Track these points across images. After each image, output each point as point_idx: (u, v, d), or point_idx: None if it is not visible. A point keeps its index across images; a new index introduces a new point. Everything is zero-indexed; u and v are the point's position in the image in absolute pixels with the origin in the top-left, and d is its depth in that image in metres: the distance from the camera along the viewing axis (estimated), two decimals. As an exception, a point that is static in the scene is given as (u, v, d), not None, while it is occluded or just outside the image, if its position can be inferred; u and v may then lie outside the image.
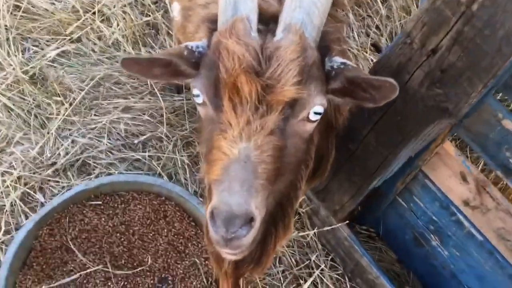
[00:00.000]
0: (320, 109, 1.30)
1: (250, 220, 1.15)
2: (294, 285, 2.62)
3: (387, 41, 3.42)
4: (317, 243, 2.73)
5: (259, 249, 1.53)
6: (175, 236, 2.60)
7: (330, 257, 2.71)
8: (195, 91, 1.33)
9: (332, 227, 2.58)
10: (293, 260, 2.65)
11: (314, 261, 2.65)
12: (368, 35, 3.41)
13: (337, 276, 2.66)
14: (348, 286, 2.65)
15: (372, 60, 3.31)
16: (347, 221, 2.57)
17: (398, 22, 3.42)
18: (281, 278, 2.61)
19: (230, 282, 1.78)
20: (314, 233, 2.70)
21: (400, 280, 2.77)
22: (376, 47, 3.43)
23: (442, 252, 2.48)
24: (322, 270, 2.62)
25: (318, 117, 1.30)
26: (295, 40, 1.21)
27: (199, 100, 1.33)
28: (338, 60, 1.33)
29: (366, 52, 3.31)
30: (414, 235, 2.58)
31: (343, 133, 2.15)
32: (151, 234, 2.59)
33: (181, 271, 2.52)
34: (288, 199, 1.52)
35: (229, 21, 1.26)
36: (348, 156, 2.24)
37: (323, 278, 2.61)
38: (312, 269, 2.64)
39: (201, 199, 2.80)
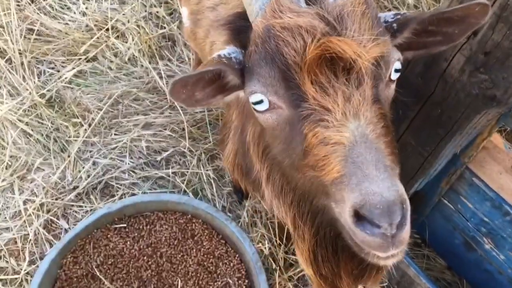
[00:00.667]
0: (399, 65, 1.13)
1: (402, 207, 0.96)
2: (336, 301, 2.42)
3: (416, 32, 3.20)
4: (357, 254, 2.52)
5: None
6: (205, 256, 2.46)
7: (373, 268, 2.50)
8: (256, 97, 1.13)
9: (373, 236, 2.37)
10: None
11: (355, 274, 2.45)
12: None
13: (382, 289, 2.44)
14: (395, 299, 2.43)
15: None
16: (389, 229, 2.36)
17: (428, 11, 3.20)
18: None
19: None
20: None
21: (452, 289, 2.53)
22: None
23: (497, 256, 2.24)
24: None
25: (398, 75, 1.13)
26: None
27: (262, 106, 1.13)
28: (389, 14, 1.16)
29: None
30: (464, 239, 2.35)
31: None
32: (179, 255, 2.45)
33: (213, 293, 2.37)
34: None
35: (268, 3, 1.09)
36: (384, 158, 2.04)
37: (367, 292, 2.40)
38: (354, 282, 2.44)
39: (229, 214, 2.65)
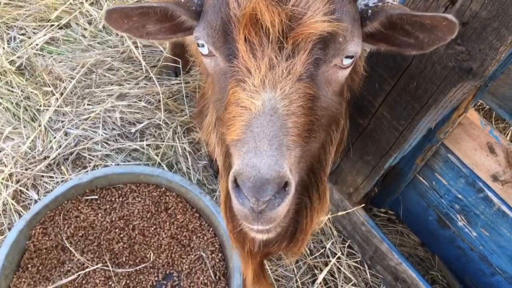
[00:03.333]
0: (355, 49, 1.06)
1: (284, 185, 0.94)
2: (309, 276, 2.43)
3: None
4: (332, 230, 2.52)
5: (292, 224, 1.29)
6: (178, 229, 2.43)
7: (347, 244, 2.50)
8: (199, 41, 1.10)
9: (347, 211, 2.36)
10: (306, 249, 2.45)
11: (329, 249, 2.45)
12: None
13: (355, 264, 2.45)
14: (368, 274, 2.44)
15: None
16: (363, 205, 2.35)
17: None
18: (295, 269, 2.42)
19: (254, 264, 1.53)
20: (328, 218, 2.49)
21: (425, 265, 2.55)
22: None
23: (470, 232, 2.25)
24: (338, 258, 2.42)
25: (350, 61, 1.07)
26: None
27: (204, 50, 1.10)
28: None
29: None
30: (438, 215, 2.35)
31: (353, 107, 1.94)
32: (152, 228, 2.41)
33: (186, 266, 2.35)
34: (320, 164, 1.27)
35: None
36: (359, 133, 2.01)
37: (340, 266, 2.41)
38: (328, 257, 2.44)
39: (204, 188, 2.61)
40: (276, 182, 0.91)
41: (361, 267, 2.47)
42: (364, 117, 1.92)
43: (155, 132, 2.71)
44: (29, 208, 2.46)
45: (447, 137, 2.02)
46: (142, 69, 2.86)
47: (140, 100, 2.76)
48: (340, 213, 2.40)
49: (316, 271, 2.42)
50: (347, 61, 1.08)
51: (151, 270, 2.33)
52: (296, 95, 0.99)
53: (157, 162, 2.62)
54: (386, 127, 1.84)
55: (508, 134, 2.66)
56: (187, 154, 2.66)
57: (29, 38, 2.85)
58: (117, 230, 2.39)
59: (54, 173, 2.55)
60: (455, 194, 2.18)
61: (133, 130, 2.69)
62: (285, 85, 0.97)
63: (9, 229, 2.39)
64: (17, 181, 2.50)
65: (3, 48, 2.74)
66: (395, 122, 1.78)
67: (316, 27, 0.97)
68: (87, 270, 2.27)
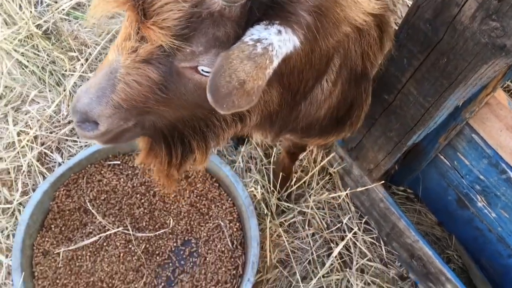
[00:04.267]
0: (208, 69, 1.07)
1: (94, 121, 1.15)
2: (324, 249, 2.46)
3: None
4: (349, 205, 2.53)
5: (165, 162, 1.39)
6: (198, 198, 2.46)
7: (364, 219, 2.52)
8: None
9: (366, 187, 2.37)
10: (323, 223, 2.47)
11: (346, 224, 2.47)
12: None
13: (371, 240, 2.47)
14: (383, 250, 2.46)
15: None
16: (383, 181, 2.35)
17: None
18: (311, 242, 2.45)
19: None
20: (347, 194, 2.51)
21: (441, 244, 2.56)
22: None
23: (489, 214, 2.25)
24: (355, 233, 2.44)
25: (209, 73, 1.07)
26: None
27: None
28: (254, 31, 1.01)
29: (405, -4, 2.99)
30: (457, 195, 2.35)
31: (378, 82, 1.93)
32: (172, 195, 2.45)
33: (204, 234, 2.39)
34: (191, 139, 1.33)
35: None
36: (383, 109, 2.00)
37: (356, 241, 2.43)
38: (344, 232, 2.46)
39: (224, 159, 2.63)
40: (81, 116, 1.13)
41: (376, 243, 2.49)
42: (390, 93, 1.90)
43: (178, 101, 2.73)
44: (53, 171, 2.52)
45: (473, 116, 2.00)
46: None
47: (164, 69, 2.76)
48: (359, 189, 2.40)
49: (332, 245, 2.44)
50: (206, 70, 1.09)
51: (170, 236, 2.38)
52: (135, 72, 1.08)
53: (178, 131, 2.64)
54: (412, 104, 1.83)
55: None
56: (209, 124, 2.67)
57: (56, 2, 2.86)
58: (138, 195, 2.43)
59: (77, 137, 2.60)
60: (477, 175, 2.17)
61: (155, 98, 2.71)
62: (128, 58, 1.06)
63: (34, 190, 2.45)
64: (42, 144, 2.55)
65: (30, 11, 2.76)
66: (421, 98, 1.77)
67: (155, 36, 1.01)
68: (108, 232, 2.33)
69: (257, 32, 1.00)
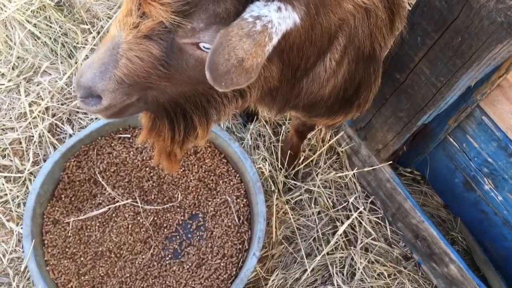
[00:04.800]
0: (209, 45, 1.08)
1: (97, 96, 1.17)
2: (330, 227, 2.48)
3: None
4: (356, 185, 2.55)
5: (169, 137, 1.41)
6: (206, 173, 2.49)
7: (370, 199, 2.53)
8: None
9: (374, 167, 2.38)
10: (329, 202, 2.49)
11: (352, 203, 2.49)
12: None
13: (377, 220, 2.49)
14: (389, 230, 2.49)
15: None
16: (390, 162, 2.36)
17: None
18: (316, 220, 2.47)
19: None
20: (354, 173, 2.52)
21: (446, 226, 2.58)
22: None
23: (496, 197, 2.26)
24: (360, 212, 2.46)
25: (208, 49, 1.08)
26: None
27: None
28: (254, 8, 1.01)
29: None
30: (464, 178, 2.36)
31: (390, 61, 1.92)
32: (181, 170, 2.48)
33: (212, 209, 2.42)
34: (193, 115, 1.35)
35: None
36: (395, 88, 2.00)
37: (362, 221, 2.45)
38: (350, 211, 2.48)
39: (232, 136, 2.65)
40: (85, 90, 1.16)
41: (382, 223, 2.51)
42: (402, 72, 1.90)
43: (188, 77, 2.73)
44: (64, 142, 2.55)
45: (484, 99, 1.99)
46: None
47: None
48: (366, 169, 2.42)
49: (337, 223, 2.47)
50: (207, 46, 1.09)
51: (178, 209, 2.41)
52: (137, 47, 1.08)
53: (188, 107, 2.66)
54: (423, 83, 1.83)
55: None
56: (218, 101, 2.68)
57: (69, -26, 2.86)
58: (147, 169, 2.46)
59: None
60: (485, 158, 2.17)
61: (166, 73, 2.71)
62: (130, 34, 1.07)
63: (45, 160, 2.48)
64: (53, 115, 2.57)
65: (43, -18, 2.76)
66: (434, 78, 1.77)
67: (156, 13, 1.01)
68: (117, 204, 2.36)
69: (257, 8, 1.00)
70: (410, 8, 1.74)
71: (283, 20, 1.00)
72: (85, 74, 1.14)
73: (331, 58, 1.36)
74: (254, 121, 2.69)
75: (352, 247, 2.42)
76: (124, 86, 1.15)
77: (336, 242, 2.40)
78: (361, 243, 2.42)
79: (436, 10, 1.60)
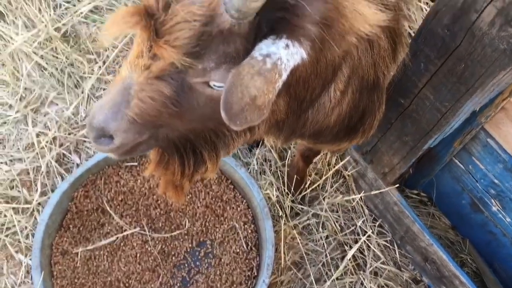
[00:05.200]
0: (220, 84, 1.11)
1: (110, 136, 1.18)
2: (338, 251, 2.47)
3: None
4: (363, 208, 2.55)
5: (179, 172, 1.42)
6: (213, 199, 2.49)
7: (378, 222, 2.53)
8: None
9: (381, 191, 2.39)
10: (337, 226, 2.49)
11: (360, 226, 2.49)
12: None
13: (385, 243, 2.48)
14: (397, 253, 2.48)
15: (425, 10, 3.01)
16: (397, 185, 2.37)
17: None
18: (325, 244, 2.47)
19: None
20: (361, 197, 2.52)
21: (454, 248, 2.57)
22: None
23: (504, 218, 2.25)
24: (369, 236, 2.45)
25: (222, 88, 1.09)
26: (203, 1, 0.99)
27: None
28: (263, 46, 1.03)
29: (420, 1, 3.00)
30: (471, 199, 2.36)
31: (394, 86, 1.95)
32: (188, 197, 2.48)
33: (219, 235, 2.42)
34: (203, 150, 1.37)
35: None
36: (399, 113, 2.02)
37: (370, 244, 2.44)
38: (358, 235, 2.48)
39: (239, 161, 2.66)
40: (98, 131, 1.17)
41: (390, 246, 2.50)
42: (406, 97, 1.92)
43: (193, 103, 2.76)
44: (71, 171, 2.56)
45: (488, 121, 2.01)
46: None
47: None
48: (373, 192, 2.42)
49: (346, 248, 2.46)
50: (217, 84, 1.12)
51: (186, 236, 2.41)
52: (149, 88, 1.10)
53: (194, 133, 2.68)
54: (428, 108, 1.84)
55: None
56: (224, 127, 2.70)
57: (74, 6, 2.91)
58: (154, 196, 2.47)
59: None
60: (492, 179, 2.18)
61: (172, 101, 2.74)
62: (142, 75, 1.09)
63: (52, 190, 2.49)
64: (60, 145, 2.59)
65: (49, 15, 2.81)
66: (438, 103, 1.79)
67: (167, 54, 1.03)
68: (125, 233, 2.37)
69: (266, 47, 1.02)
70: (413, 35, 1.76)
71: (291, 56, 1.02)
72: (97, 116, 1.15)
73: (336, 89, 1.38)
74: (259, 146, 2.71)
75: (361, 272, 2.41)
76: (136, 126, 1.17)
77: (345, 267, 2.40)
78: (370, 267, 2.41)
79: (438, 38, 1.63)
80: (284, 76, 1.02)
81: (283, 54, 1.01)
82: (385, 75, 1.55)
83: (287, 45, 1.02)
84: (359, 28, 1.13)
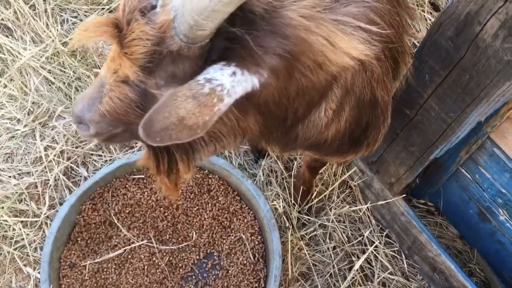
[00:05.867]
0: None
1: (86, 124, 1.32)
2: (346, 262, 2.47)
3: (446, -4, 3.10)
4: (370, 218, 2.55)
5: (155, 167, 1.47)
6: (220, 211, 2.50)
7: (385, 233, 2.53)
8: None
9: (387, 201, 2.39)
10: (344, 236, 2.49)
11: (367, 237, 2.48)
12: (424, -9, 3.11)
13: (393, 253, 2.48)
14: (405, 263, 2.47)
15: (430, 20, 3.02)
16: (404, 195, 2.37)
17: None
18: (332, 255, 2.46)
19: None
20: (367, 207, 2.52)
21: (462, 258, 2.56)
22: (434, 6, 3.13)
23: (511, 227, 2.24)
24: (376, 246, 2.45)
25: None
26: (158, 23, 1.05)
27: None
28: (210, 70, 1.08)
29: (424, 11, 3.02)
30: (479, 209, 2.35)
31: (399, 97, 1.96)
32: (195, 209, 2.49)
33: (226, 247, 2.43)
34: (174, 151, 1.41)
35: None
36: (405, 124, 2.03)
37: (378, 255, 2.44)
38: (366, 245, 2.47)
39: (245, 172, 2.67)
40: (76, 118, 1.31)
41: (398, 257, 2.49)
42: (412, 108, 1.93)
43: (199, 115, 2.77)
44: (79, 185, 2.58)
45: (494, 131, 2.01)
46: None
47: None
48: (380, 203, 2.42)
49: (353, 258, 2.46)
50: None
51: (193, 248, 2.42)
52: (117, 90, 1.20)
53: (200, 145, 2.69)
54: (434, 119, 1.85)
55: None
56: (230, 138, 2.71)
57: (81, 20, 2.95)
58: (161, 209, 2.48)
59: (102, 152, 2.66)
60: (499, 188, 2.17)
61: (178, 113, 2.76)
62: (111, 77, 1.19)
63: (60, 203, 2.51)
64: (68, 158, 2.61)
65: (57, 30, 2.85)
66: (443, 114, 1.79)
67: (125, 66, 1.11)
68: (132, 245, 2.38)
69: (213, 71, 1.07)
70: (417, 45, 1.78)
71: (238, 84, 1.07)
72: (78, 105, 1.30)
73: (328, 108, 1.41)
74: (265, 157, 2.72)
75: (369, 282, 2.41)
76: (107, 120, 1.27)
77: (353, 278, 2.39)
78: (378, 277, 2.40)
79: (442, 49, 1.64)
80: (227, 101, 1.07)
81: (227, 81, 1.06)
82: (384, 95, 1.55)
83: (234, 73, 1.07)
84: (336, 60, 1.17)
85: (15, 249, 2.40)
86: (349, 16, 1.20)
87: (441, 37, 1.62)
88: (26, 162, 2.60)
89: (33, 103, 2.70)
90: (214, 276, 2.37)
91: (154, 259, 2.38)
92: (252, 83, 1.09)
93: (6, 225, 2.43)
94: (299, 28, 1.09)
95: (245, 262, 2.40)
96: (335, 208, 2.54)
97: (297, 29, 1.09)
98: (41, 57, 2.75)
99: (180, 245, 2.41)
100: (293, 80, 1.17)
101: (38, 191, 2.53)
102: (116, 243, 2.40)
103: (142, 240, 2.40)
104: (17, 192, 2.50)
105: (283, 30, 1.08)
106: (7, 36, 2.82)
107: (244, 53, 1.08)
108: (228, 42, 1.08)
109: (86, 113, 1.29)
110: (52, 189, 2.53)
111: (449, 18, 1.54)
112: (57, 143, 2.63)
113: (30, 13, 2.85)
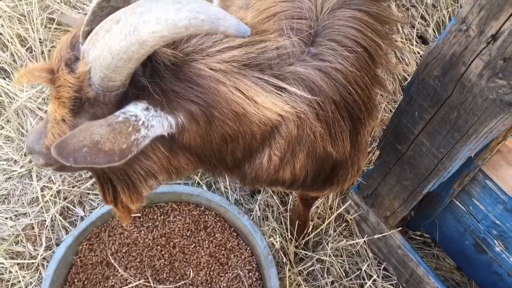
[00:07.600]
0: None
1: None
2: (344, 297, 2.46)
3: (434, 31, 3.19)
4: (367, 252, 2.55)
5: (102, 195, 1.52)
6: (217, 248, 2.50)
7: (383, 266, 2.53)
8: None
9: (383, 234, 2.39)
10: (342, 271, 2.48)
11: (365, 271, 2.48)
12: (413, 26, 3.19)
13: (391, 287, 2.47)
14: (403, 297, 2.46)
15: (418, 53, 3.10)
16: (400, 228, 2.38)
17: (446, 11, 3.19)
18: (330, 290, 2.45)
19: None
20: (364, 241, 2.53)
21: (461, 289, 2.55)
22: (422, 39, 3.21)
23: (508, 258, 2.25)
24: (374, 280, 2.45)
25: None
26: (77, 73, 1.17)
27: None
28: (126, 106, 1.19)
29: (412, 45, 3.09)
30: (474, 240, 2.36)
31: (391, 132, 1.99)
32: (192, 246, 2.49)
33: (224, 284, 2.42)
34: (116, 183, 1.44)
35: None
36: (397, 158, 2.06)
37: (376, 289, 2.43)
38: (364, 279, 2.47)
39: (242, 208, 2.68)
40: (28, 149, 1.42)
41: (396, 290, 2.49)
42: (403, 143, 1.96)
43: (195, 152, 2.80)
44: (76, 225, 2.58)
45: (485, 163, 2.04)
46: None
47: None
48: (376, 236, 2.43)
49: (351, 293, 2.45)
50: None
51: (191, 286, 2.41)
52: (56, 127, 1.28)
53: (196, 181, 2.71)
54: (425, 154, 1.88)
55: (546, 159, 2.65)
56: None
57: (77, 61, 3.00)
58: (158, 247, 2.48)
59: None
60: (493, 220, 2.19)
61: (173, 150, 2.78)
62: (52, 116, 1.28)
63: (57, 244, 2.51)
64: (65, 198, 2.62)
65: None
66: (434, 150, 1.82)
67: (56, 109, 1.23)
68: (130, 286, 2.36)
69: (127, 107, 1.18)
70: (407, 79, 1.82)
71: (153, 118, 1.17)
72: (29, 137, 1.42)
73: (272, 154, 1.43)
74: (261, 192, 2.73)
75: (368, 317, 2.39)
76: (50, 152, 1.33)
77: (352, 313, 2.38)
78: (377, 312, 2.39)
79: (430, 88, 1.68)
80: (144, 132, 1.16)
81: (141, 113, 1.16)
82: (340, 151, 1.53)
83: (147, 108, 1.17)
84: (256, 113, 1.25)
85: (11, 292, 2.38)
86: (278, 77, 1.28)
87: (428, 76, 1.66)
88: (23, 203, 2.60)
89: (29, 143, 2.72)
90: (212, 315, 2.35)
91: (151, 298, 2.36)
92: (168, 122, 1.19)
93: (3, 267, 2.42)
94: (210, 79, 1.19)
95: (243, 299, 2.39)
96: (332, 242, 2.54)
97: (207, 79, 1.19)
98: (37, 98, 2.79)
99: (178, 284, 2.40)
100: (213, 127, 1.25)
101: (34, 232, 2.53)
102: (113, 283, 2.38)
103: (139, 280, 2.39)
104: (13, 234, 2.50)
105: (195, 79, 1.19)
106: (4, 79, 2.86)
107: (156, 95, 1.17)
108: (140, 90, 1.19)
109: (35, 145, 1.40)
110: (48, 230, 2.53)
111: (435, 58, 1.59)
112: (53, 183, 2.64)
113: (27, 55, 2.91)
